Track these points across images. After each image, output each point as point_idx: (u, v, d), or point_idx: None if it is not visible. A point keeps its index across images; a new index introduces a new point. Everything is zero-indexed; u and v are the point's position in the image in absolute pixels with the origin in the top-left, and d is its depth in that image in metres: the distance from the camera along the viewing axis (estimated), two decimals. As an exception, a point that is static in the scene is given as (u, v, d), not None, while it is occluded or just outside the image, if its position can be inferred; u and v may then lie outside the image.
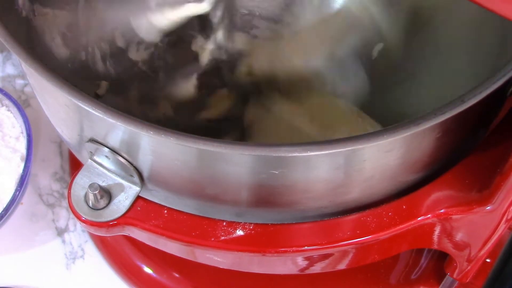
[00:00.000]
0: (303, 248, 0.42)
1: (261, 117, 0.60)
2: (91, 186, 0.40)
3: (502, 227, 0.41)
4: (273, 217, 0.42)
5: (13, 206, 0.59)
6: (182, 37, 0.64)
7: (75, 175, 0.42)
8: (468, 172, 0.43)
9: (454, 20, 0.55)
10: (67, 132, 0.44)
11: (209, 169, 0.38)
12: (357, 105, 0.59)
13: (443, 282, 0.52)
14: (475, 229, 0.43)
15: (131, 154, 0.39)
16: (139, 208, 0.42)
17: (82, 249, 0.62)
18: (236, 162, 0.37)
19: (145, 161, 0.39)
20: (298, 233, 0.42)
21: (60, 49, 0.53)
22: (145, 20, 0.62)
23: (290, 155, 0.35)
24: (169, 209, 0.42)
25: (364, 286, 0.57)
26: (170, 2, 0.63)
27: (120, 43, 0.61)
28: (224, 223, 0.42)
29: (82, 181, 0.42)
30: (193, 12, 0.62)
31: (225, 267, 0.47)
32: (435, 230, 0.44)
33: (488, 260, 0.45)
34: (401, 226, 0.42)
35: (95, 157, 0.41)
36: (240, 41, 0.65)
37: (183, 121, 0.60)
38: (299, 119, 0.58)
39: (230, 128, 0.60)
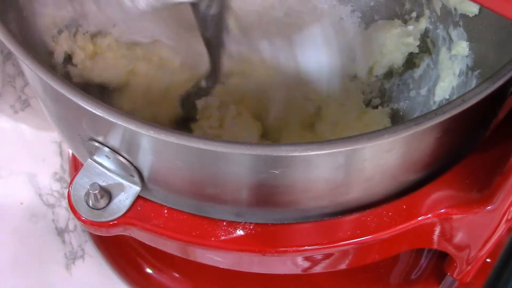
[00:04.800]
0: (303, 248, 0.42)
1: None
2: (91, 186, 0.40)
3: (502, 227, 0.41)
4: (273, 217, 0.42)
5: None
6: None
7: (75, 174, 0.42)
8: (468, 172, 0.43)
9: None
10: (67, 132, 0.44)
11: (210, 168, 0.38)
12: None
13: (443, 282, 0.52)
14: (475, 229, 0.43)
15: (131, 153, 0.39)
16: (139, 208, 0.42)
17: (82, 249, 0.62)
18: (236, 162, 0.37)
19: (145, 161, 0.39)
20: (298, 233, 0.42)
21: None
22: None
23: (290, 154, 0.35)
24: (169, 209, 0.42)
25: (364, 286, 0.57)
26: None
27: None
28: (224, 223, 0.42)
29: (82, 181, 0.42)
30: None
31: (225, 267, 0.47)
32: (435, 230, 0.43)
33: (488, 260, 0.45)
34: (401, 226, 0.42)
35: (95, 157, 0.41)
36: None
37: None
38: None
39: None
